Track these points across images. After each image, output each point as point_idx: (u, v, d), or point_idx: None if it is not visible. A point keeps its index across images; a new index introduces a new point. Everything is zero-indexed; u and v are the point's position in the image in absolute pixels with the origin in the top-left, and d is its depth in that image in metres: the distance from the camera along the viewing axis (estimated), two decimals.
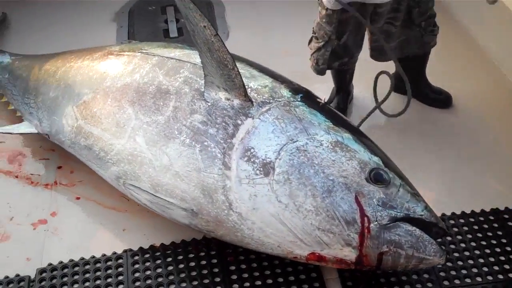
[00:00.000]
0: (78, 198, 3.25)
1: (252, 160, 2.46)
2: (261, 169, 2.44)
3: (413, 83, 3.65)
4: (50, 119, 3.31)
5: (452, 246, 2.75)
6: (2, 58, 4.01)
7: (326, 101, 2.80)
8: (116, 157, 2.85)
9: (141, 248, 2.86)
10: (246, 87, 2.62)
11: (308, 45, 3.45)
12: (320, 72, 3.44)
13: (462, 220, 2.88)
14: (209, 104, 2.65)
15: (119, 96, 2.94)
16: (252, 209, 2.44)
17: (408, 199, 2.41)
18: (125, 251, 2.86)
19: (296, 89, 2.75)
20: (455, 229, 2.83)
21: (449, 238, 2.77)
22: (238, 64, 2.64)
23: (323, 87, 3.59)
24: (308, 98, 2.72)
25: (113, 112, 2.92)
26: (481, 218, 2.89)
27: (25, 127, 3.50)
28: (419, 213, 2.38)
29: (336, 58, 3.35)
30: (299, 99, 2.66)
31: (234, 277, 2.68)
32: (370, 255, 2.35)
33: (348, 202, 2.35)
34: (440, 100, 3.70)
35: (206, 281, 2.67)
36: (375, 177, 2.41)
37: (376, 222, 2.32)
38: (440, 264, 2.50)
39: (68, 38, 4.59)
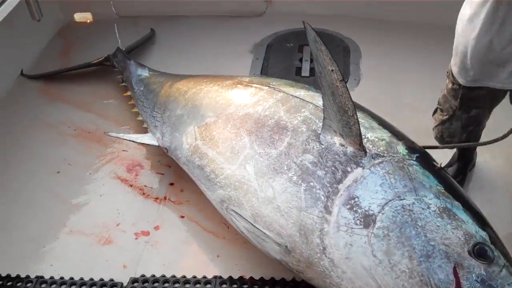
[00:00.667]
0: (182, 217, 3.35)
1: (354, 209, 2.43)
2: (362, 219, 2.40)
3: None
4: (172, 134, 3.44)
5: None
6: (142, 72, 4.23)
7: (444, 165, 2.71)
8: (224, 181, 2.91)
9: (230, 277, 2.89)
10: (363, 137, 2.60)
11: (433, 116, 3.35)
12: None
13: None
14: (322, 146, 2.66)
15: (239, 124, 3.01)
16: (345, 257, 2.40)
17: (510, 282, 2.26)
18: (214, 277, 2.91)
19: (413, 148, 2.68)
20: None
21: None
22: (359, 114, 2.64)
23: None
24: (424, 160, 2.64)
25: (230, 138, 2.99)
26: None
27: (148, 138, 3.67)
28: None
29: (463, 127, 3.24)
30: (414, 158, 2.59)
31: None
32: None
33: (445, 271, 2.25)
34: None
35: None
36: (479, 252, 2.29)
37: None
38: None
39: (205, 62, 4.79)
